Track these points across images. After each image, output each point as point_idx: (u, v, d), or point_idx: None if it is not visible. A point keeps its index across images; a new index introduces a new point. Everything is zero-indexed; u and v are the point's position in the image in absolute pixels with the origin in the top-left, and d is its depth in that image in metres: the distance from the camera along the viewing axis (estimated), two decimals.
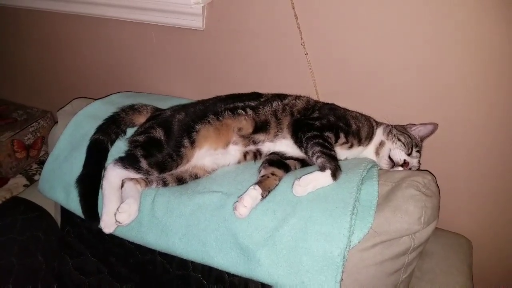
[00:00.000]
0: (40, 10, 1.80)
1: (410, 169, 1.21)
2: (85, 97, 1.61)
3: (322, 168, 1.09)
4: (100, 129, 1.30)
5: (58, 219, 1.48)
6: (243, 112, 1.23)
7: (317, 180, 1.08)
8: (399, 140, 1.22)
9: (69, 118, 1.43)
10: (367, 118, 1.29)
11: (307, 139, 1.15)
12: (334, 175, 1.08)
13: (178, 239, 1.15)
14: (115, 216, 1.10)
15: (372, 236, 1.03)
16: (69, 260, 1.41)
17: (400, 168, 1.20)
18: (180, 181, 1.23)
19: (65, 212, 1.40)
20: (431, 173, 1.15)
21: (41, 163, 2.10)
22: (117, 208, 1.11)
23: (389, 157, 1.21)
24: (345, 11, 1.25)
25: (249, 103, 1.26)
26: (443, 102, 1.27)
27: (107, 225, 1.13)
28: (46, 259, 1.40)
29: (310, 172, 1.09)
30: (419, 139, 1.27)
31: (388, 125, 1.28)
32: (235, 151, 1.24)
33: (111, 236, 1.27)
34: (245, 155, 1.25)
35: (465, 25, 1.13)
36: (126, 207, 1.11)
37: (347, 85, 1.38)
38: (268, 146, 1.23)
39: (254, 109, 1.24)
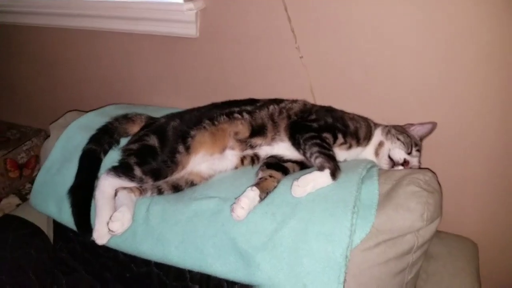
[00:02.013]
0: (31, 26, 1.81)
1: (410, 168, 1.18)
2: (78, 110, 1.60)
3: (321, 168, 1.06)
4: (93, 139, 1.28)
5: (51, 236, 1.43)
6: (239, 116, 1.22)
7: (316, 180, 1.05)
8: (398, 139, 1.21)
9: (62, 131, 1.41)
10: (365, 119, 1.28)
11: (305, 140, 1.13)
12: (334, 175, 1.06)
13: (174, 247, 1.11)
14: (108, 225, 1.06)
15: (374, 235, 0.99)
16: (62, 278, 1.35)
17: (401, 167, 1.18)
18: (176, 188, 1.20)
19: (58, 227, 1.36)
20: (432, 171, 1.13)
21: None
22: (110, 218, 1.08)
23: (389, 156, 1.19)
24: (339, 13, 1.25)
25: (245, 107, 1.25)
26: (444, 100, 1.26)
27: (100, 235, 1.09)
28: (37, 277, 1.35)
29: (309, 173, 1.06)
30: (418, 139, 1.26)
31: (386, 126, 1.27)
32: (232, 156, 1.21)
33: (105, 249, 1.24)
34: (242, 160, 1.22)
35: (460, 26, 1.13)
36: (119, 215, 1.08)
37: (343, 87, 1.37)
38: (266, 149, 1.21)
39: (250, 113, 1.23)
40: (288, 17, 1.29)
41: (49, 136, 1.53)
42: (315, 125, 1.18)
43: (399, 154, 1.18)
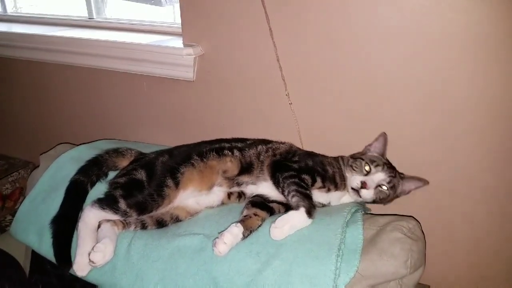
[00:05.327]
0: (30, 60, 1.85)
1: (379, 185, 1.17)
2: (70, 143, 1.61)
3: (296, 207, 1.07)
4: (81, 170, 1.28)
5: (27, 268, 1.38)
6: (229, 153, 1.24)
7: (292, 219, 1.05)
8: (351, 167, 1.21)
9: (52, 162, 1.41)
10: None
11: (284, 179, 1.15)
12: (309, 213, 1.06)
13: (153, 284, 1.08)
14: (89, 256, 1.04)
15: (358, 280, 0.98)
16: None
17: (365, 191, 1.16)
18: (160, 223, 1.19)
19: (35, 259, 1.32)
20: (415, 219, 1.14)
21: None
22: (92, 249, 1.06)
23: (351, 188, 1.20)
24: (327, 64, 1.32)
25: (236, 144, 1.28)
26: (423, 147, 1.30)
27: (80, 267, 1.07)
28: None
29: (285, 213, 1.07)
30: (377, 155, 1.25)
31: (348, 160, 1.26)
32: (219, 191, 1.22)
33: (82, 284, 1.20)
34: (229, 195, 1.23)
35: (452, 69, 1.18)
36: (102, 246, 1.06)
37: (330, 134, 1.42)
38: (251, 188, 1.22)
39: (240, 151, 1.25)
40: (279, 67, 1.36)
41: (37, 167, 1.52)
42: (295, 166, 1.21)
43: (355, 180, 1.18)
